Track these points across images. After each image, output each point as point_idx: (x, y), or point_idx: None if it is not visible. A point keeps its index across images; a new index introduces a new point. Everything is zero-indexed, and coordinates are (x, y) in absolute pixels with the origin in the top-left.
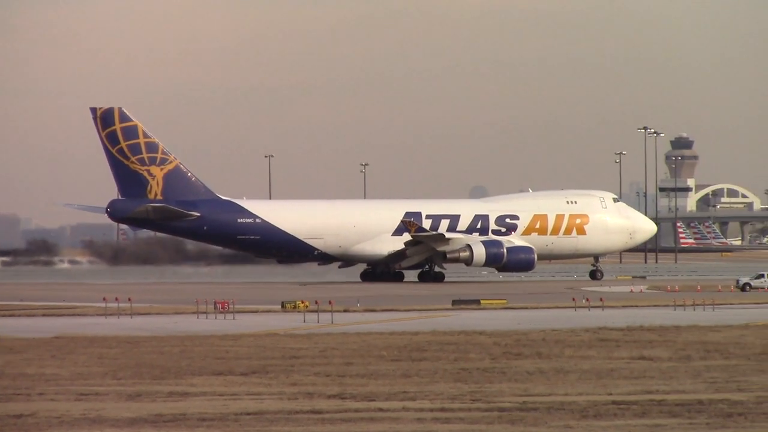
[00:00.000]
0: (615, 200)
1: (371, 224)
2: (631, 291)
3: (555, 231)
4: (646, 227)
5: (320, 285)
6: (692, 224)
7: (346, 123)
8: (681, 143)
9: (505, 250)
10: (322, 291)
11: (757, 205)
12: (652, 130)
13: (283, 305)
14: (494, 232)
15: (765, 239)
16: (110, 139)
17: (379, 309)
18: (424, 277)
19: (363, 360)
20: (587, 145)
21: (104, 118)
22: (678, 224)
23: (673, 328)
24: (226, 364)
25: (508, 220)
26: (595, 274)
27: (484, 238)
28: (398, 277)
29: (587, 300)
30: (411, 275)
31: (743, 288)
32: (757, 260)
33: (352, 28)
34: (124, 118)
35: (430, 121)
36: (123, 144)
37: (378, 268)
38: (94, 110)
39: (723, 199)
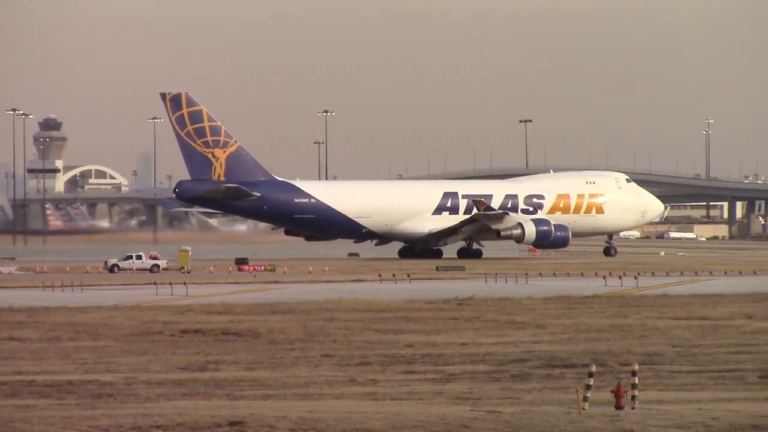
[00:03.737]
0: (627, 181)
1: (414, 204)
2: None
3: (576, 210)
4: (656, 206)
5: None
6: (60, 206)
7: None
8: (50, 125)
9: (552, 228)
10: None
11: (125, 186)
12: (21, 112)
13: None
14: (523, 211)
15: (133, 221)
16: (179, 123)
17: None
18: (463, 254)
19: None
20: None
21: (173, 103)
22: (47, 206)
23: (43, 309)
24: None
25: (535, 199)
26: (609, 251)
27: (532, 216)
28: (437, 254)
29: None
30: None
31: (112, 269)
32: (126, 242)
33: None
34: (190, 102)
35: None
36: (190, 127)
37: (417, 246)
38: (163, 95)
39: (91, 180)
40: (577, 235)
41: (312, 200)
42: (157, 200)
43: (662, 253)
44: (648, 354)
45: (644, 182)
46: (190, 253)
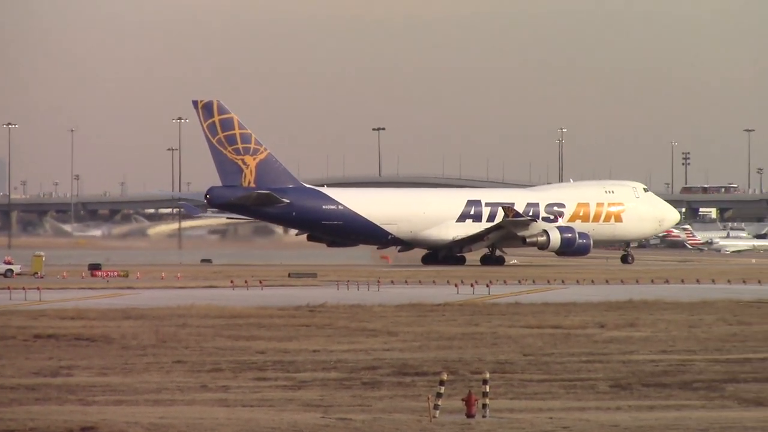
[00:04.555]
0: (645, 190)
1: (438, 211)
2: None
3: (596, 218)
4: (672, 215)
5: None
6: None
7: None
8: None
9: (576, 236)
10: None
11: None
12: None
13: None
14: (544, 219)
15: None
16: (211, 130)
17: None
18: (486, 261)
19: None
20: None
21: (205, 110)
22: None
23: None
24: None
25: (556, 207)
26: (626, 258)
27: (556, 224)
28: (460, 261)
29: None
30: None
31: None
32: None
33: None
34: (222, 110)
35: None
36: (221, 135)
37: (441, 252)
38: (195, 103)
39: None
40: (597, 243)
41: (340, 207)
42: (185, 206)
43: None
44: (499, 362)
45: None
46: (43, 258)
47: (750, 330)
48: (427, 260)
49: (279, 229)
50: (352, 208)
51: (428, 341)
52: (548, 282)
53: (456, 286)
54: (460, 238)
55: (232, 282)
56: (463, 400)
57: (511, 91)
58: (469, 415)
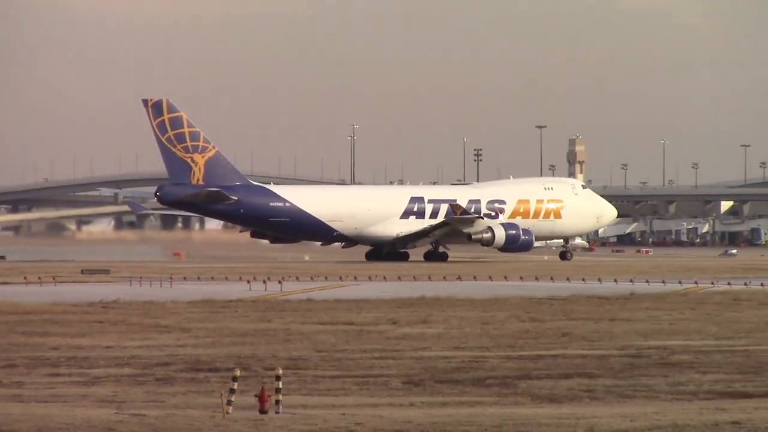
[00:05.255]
0: (583, 187)
1: (383, 208)
2: None
3: (536, 215)
4: (610, 211)
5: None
6: None
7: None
8: None
9: (521, 233)
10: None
11: None
12: None
13: None
14: (485, 215)
15: None
16: (160, 128)
17: None
18: (430, 257)
19: None
20: None
21: (155, 109)
22: None
23: None
24: None
25: (497, 204)
26: (565, 255)
27: (500, 221)
28: (404, 257)
29: None
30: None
31: None
32: None
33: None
34: (171, 108)
35: None
36: (170, 133)
37: (384, 249)
38: (145, 101)
39: None
40: (536, 239)
41: (287, 204)
42: (130, 203)
43: (306, 258)
44: (292, 358)
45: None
46: None
47: (542, 327)
48: (370, 257)
49: (72, 226)
50: (299, 205)
51: (221, 337)
52: (340, 278)
53: (248, 282)
54: (403, 234)
55: (25, 278)
56: (256, 396)
57: (301, 86)
58: (262, 411)
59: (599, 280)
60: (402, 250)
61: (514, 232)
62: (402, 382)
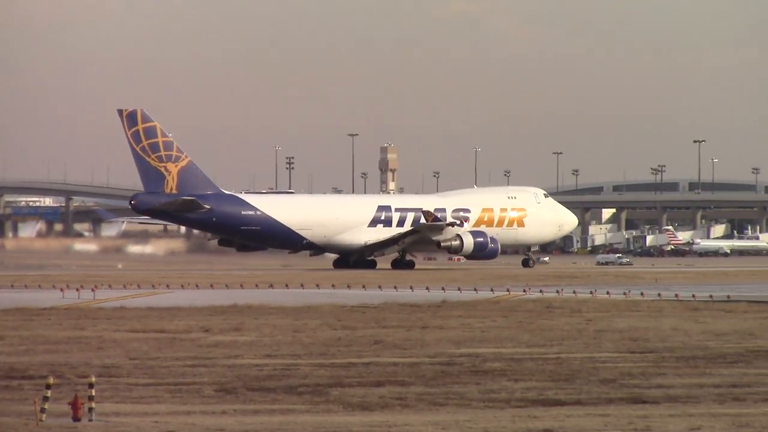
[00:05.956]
0: (545, 196)
1: (351, 216)
2: None
3: (500, 223)
4: (571, 220)
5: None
6: None
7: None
8: None
9: (488, 240)
10: None
11: None
12: None
13: None
14: (450, 225)
15: None
16: (135, 138)
17: None
18: (397, 265)
19: None
20: None
21: (129, 119)
22: None
23: None
24: None
25: (462, 213)
26: (527, 262)
27: (468, 229)
28: (371, 265)
29: None
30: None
31: None
32: None
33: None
34: (145, 118)
35: None
36: (145, 142)
37: (352, 257)
38: (120, 111)
39: None
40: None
41: (258, 212)
42: (98, 211)
43: (120, 266)
44: (105, 366)
45: None
46: None
47: (354, 335)
48: (338, 264)
49: None
50: (269, 214)
51: (34, 345)
52: (153, 286)
53: (62, 290)
54: (371, 242)
55: None
56: (69, 404)
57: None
58: (76, 419)
59: (411, 288)
60: (369, 258)
61: (482, 239)
62: (214, 390)
